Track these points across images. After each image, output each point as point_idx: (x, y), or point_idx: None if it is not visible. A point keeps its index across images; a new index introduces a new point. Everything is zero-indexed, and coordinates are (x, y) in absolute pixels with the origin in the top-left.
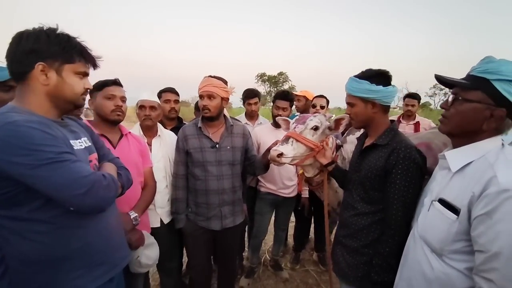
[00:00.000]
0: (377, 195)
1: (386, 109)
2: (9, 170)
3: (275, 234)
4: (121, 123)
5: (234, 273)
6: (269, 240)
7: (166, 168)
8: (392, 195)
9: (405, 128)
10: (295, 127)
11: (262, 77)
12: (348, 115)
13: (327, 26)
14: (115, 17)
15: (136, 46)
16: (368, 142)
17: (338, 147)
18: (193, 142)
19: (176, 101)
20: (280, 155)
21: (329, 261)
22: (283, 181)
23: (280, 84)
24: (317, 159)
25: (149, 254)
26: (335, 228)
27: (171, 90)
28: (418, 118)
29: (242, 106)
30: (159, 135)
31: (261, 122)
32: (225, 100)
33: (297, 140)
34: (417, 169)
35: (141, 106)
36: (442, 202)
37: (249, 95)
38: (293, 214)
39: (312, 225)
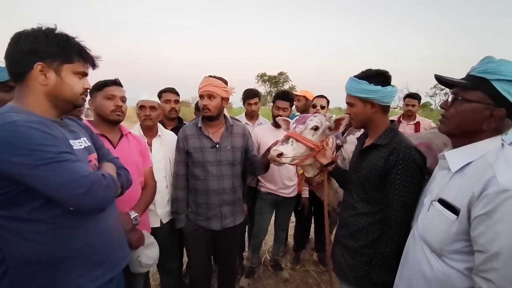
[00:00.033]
0: (377, 195)
1: (385, 109)
2: (9, 170)
3: (275, 234)
4: (121, 123)
5: (234, 273)
6: (269, 240)
7: (166, 168)
8: (392, 195)
9: (406, 128)
10: (295, 127)
11: (262, 77)
12: (348, 115)
13: (327, 26)
14: (115, 17)
15: (136, 46)
16: (368, 142)
17: (338, 147)
18: (193, 142)
19: (176, 101)
20: (280, 155)
21: (329, 261)
22: (283, 181)
23: (281, 84)
24: (317, 159)
25: (149, 254)
26: (335, 228)
27: (171, 90)
28: (418, 118)
29: (242, 106)
30: (159, 135)
31: (261, 122)
32: (225, 100)
33: (297, 140)
34: (417, 169)
35: (141, 106)
36: (442, 202)
37: (249, 95)
38: (293, 214)
39: (312, 225)
